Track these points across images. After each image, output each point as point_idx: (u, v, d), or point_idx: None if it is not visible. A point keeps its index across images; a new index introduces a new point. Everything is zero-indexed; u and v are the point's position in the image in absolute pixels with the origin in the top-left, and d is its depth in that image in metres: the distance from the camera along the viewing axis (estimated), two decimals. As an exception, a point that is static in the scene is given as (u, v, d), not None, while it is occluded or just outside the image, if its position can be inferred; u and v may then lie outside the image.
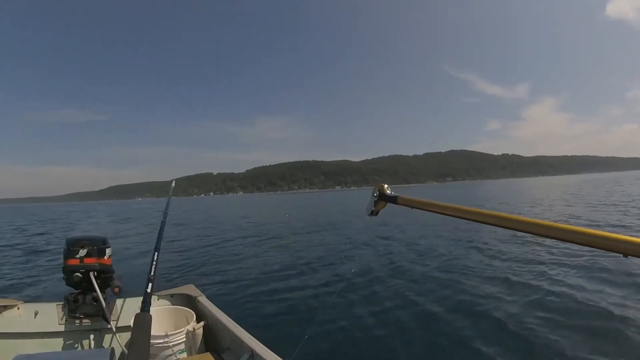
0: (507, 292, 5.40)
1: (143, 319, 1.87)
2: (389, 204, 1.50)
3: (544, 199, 26.94)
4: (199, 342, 2.44)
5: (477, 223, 1.09)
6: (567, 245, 7.27)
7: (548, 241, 8.07)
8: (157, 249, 2.30)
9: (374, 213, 1.55)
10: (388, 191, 1.49)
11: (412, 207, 1.35)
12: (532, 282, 5.82)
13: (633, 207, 16.52)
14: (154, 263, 2.21)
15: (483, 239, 10.10)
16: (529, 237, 8.33)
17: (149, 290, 2.03)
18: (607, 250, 0.77)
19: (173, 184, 3.53)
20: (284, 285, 6.38)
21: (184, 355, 2.38)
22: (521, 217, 0.94)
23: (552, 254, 7.64)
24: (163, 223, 2.62)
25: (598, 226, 11.26)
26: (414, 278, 6.49)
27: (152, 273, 2.13)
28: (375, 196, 1.51)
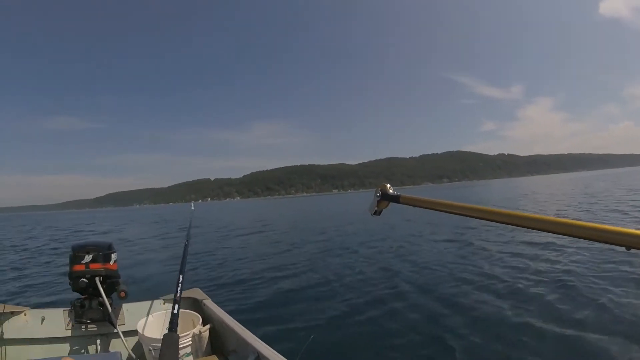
0: (508, 288, 5.45)
1: (171, 338, 1.90)
2: (391, 203, 1.50)
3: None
4: (205, 345, 2.45)
5: (480, 220, 1.10)
6: (569, 239, 7.42)
7: (550, 235, 8.16)
8: (181, 271, 2.33)
9: (377, 213, 1.56)
10: (390, 191, 1.49)
11: (414, 206, 1.35)
12: (535, 276, 5.92)
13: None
14: (179, 285, 2.22)
15: (484, 235, 10.25)
16: (530, 232, 8.47)
17: (175, 311, 2.05)
18: (610, 244, 0.76)
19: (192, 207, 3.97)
20: (289, 288, 6.39)
21: (191, 358, 2.40)
22: (522, 213, 0.94)
23: (554, 248, 7.77)
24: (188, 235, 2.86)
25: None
26: (420, 277, 6.53)
27: (178, 295, 2.14)
28: (378, 196, 1.51)
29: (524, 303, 4.85)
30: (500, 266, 6.91)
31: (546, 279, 5.80)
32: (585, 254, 7.06)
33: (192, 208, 4.05)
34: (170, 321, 2.00)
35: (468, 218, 1.15)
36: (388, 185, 1.52)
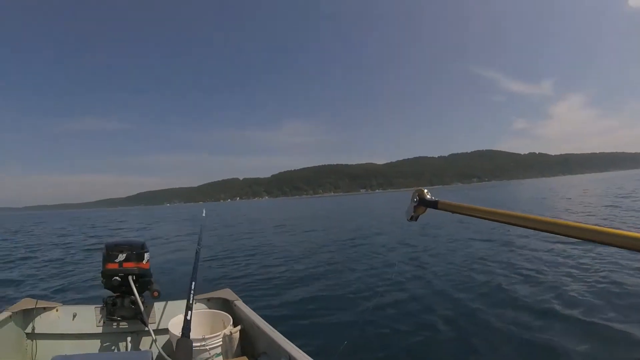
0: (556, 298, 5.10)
1: (184, 343, 1.95)
2: (429, 209, 1.42)
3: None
4: (235, 346, 2.45)
5: (526, 229, 0.99)
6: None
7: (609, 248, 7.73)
8: (193, 279, 2.39)
9: (413, 218, 1.49)
10: (428, 196, 1.42)
11: (453, 212, 1.27)
12: (581, 289, 5.40)
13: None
14: (192, 292, 2.29)
15: (521, 235, 9.80)
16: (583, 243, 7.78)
17: (189, 317, 2.09)
18: None
19: (204, 213, 4.18)
20: (321, 290, 6.24)
21: (220, 358, 2.39)
22: (572, 222, 0.83)
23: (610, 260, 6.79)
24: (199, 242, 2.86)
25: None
26: (460, 283, 6.18)
27: (190, 301, 2.21)
28: (415, 201, 1.45)
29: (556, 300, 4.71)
30: (536, 265, 6.73)
31: (586, 285, 5.48)
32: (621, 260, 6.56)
33: (204, 215, 4.11)
34: (183, 327, 2.04)
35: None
36: (425, 190, 1.44)
